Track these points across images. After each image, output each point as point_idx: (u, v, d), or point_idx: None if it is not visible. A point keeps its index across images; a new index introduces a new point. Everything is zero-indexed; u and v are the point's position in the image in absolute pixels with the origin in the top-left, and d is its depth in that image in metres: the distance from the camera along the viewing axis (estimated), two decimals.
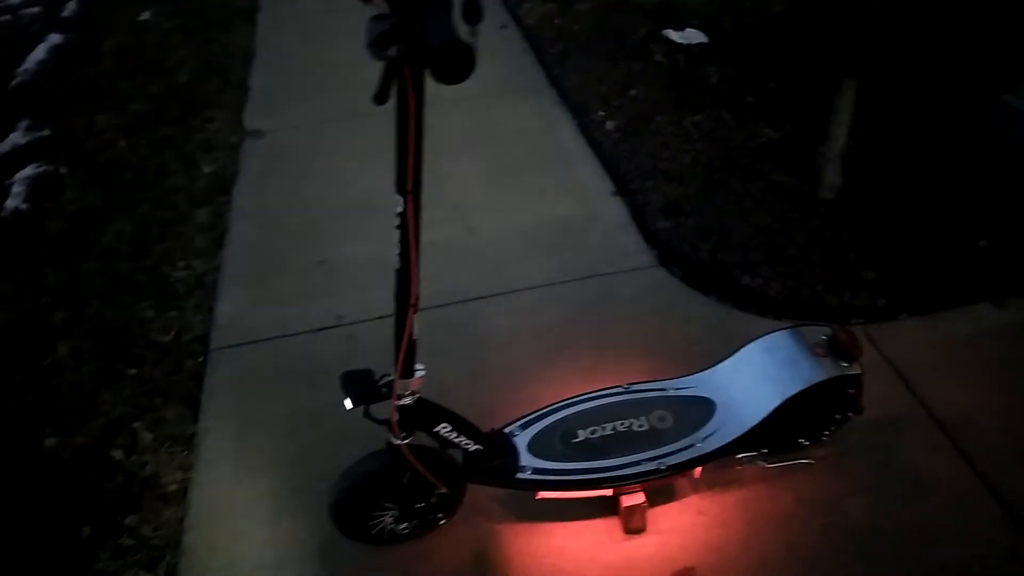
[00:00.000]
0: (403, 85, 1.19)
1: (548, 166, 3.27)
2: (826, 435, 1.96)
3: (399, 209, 1.32)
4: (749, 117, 3.40)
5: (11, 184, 3.32)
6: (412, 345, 1.49)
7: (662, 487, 1.95)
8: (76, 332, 2.62)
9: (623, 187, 3.08)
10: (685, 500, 1.97)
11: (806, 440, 1.94)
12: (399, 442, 1.61)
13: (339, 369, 1.61)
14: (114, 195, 3.25)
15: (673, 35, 3.94)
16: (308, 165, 3.30)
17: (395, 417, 1.56)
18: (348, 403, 1.53)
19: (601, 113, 3.52)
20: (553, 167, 3.27)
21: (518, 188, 3.15)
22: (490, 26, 4.41)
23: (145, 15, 4.75)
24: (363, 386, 1.52)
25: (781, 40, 3.80)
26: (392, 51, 1.11)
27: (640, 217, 2.92)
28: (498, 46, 4.21)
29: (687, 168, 3.13)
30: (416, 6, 1.07)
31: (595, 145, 3.34)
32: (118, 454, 2.19)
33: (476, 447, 1.72)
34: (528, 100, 3.72)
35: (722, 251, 2.71)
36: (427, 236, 2.89)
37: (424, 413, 1.62)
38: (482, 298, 2.64)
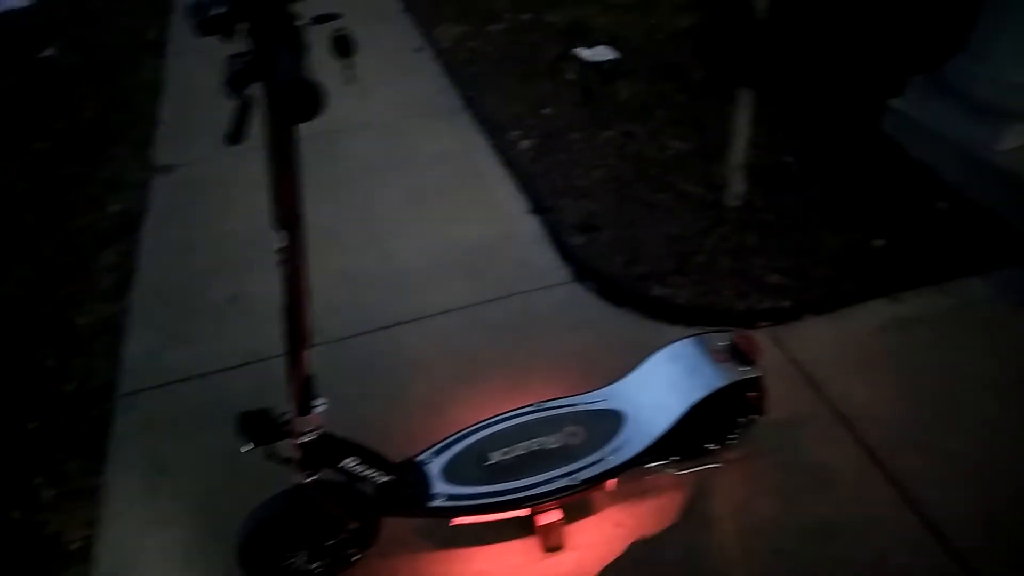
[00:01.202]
0: (270, 124, 1.19)
1: (464, 188, 3.29)
2: (733, 438, 2.00)
3: (279, 245, 1.30)
4: (658, 130, 3.50)
5: None
6: (308, 381, 1.47)
7: (579, 502, 1.97)
8: None
9: (538, 205, 3.12)
10: (602, 513, 1.99)
11: (714, 444, 1.98)
12: (305, 480, 1.59)
13: (253, 407, 1.58)
14: (13, 238, 3.12)
15: (584, 53, 4.02)
16: (220, 198, 3.24)
17: (298, 455, 1.54)
18: (246, 446, 1.50)
19: (516, 133, 3.56)
20: (469, 189, 3.29)
21: (434, 211, 3.16)
22: (404, 49, 4.43)
23: (48, 51, 4.60)
24: (261, 426, 1.49)
25: (688, 54, 3.93)
26: (248, 90, 1.10)
27: (555, 234, 2.96)
28: (412, 69, 4.23)
29: (600, 183, 3.19)
30: (269, 45, 1.06)
31: (510, 164, 3.38)
32: (17, 514, 2.09)
33: (386, 478, 1.71)
34: (443, 122, 3.74)
35: (634, 263, 2.77)
36: (342, 264, 2.91)
37: (329, 448, 1.59)
38: (399, 324, 2.63)
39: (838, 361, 2.41)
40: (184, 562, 1.94)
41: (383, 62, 4.30)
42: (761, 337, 2.48)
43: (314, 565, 1.76)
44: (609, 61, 3.93)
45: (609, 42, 4.07)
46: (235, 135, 1.10)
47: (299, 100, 1.03)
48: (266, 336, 2.56)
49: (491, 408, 2.03)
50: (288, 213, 1.27)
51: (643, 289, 2.66)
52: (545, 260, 2.88)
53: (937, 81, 3.13)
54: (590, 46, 4.04)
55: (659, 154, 3.34)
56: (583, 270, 2.79)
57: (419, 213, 3.16)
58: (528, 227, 3.04)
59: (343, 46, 1.12)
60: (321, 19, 1.15)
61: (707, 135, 3.38)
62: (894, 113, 3.28)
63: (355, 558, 1.82)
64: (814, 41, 3.38)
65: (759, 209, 2.98)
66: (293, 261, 1.30)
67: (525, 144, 3.47)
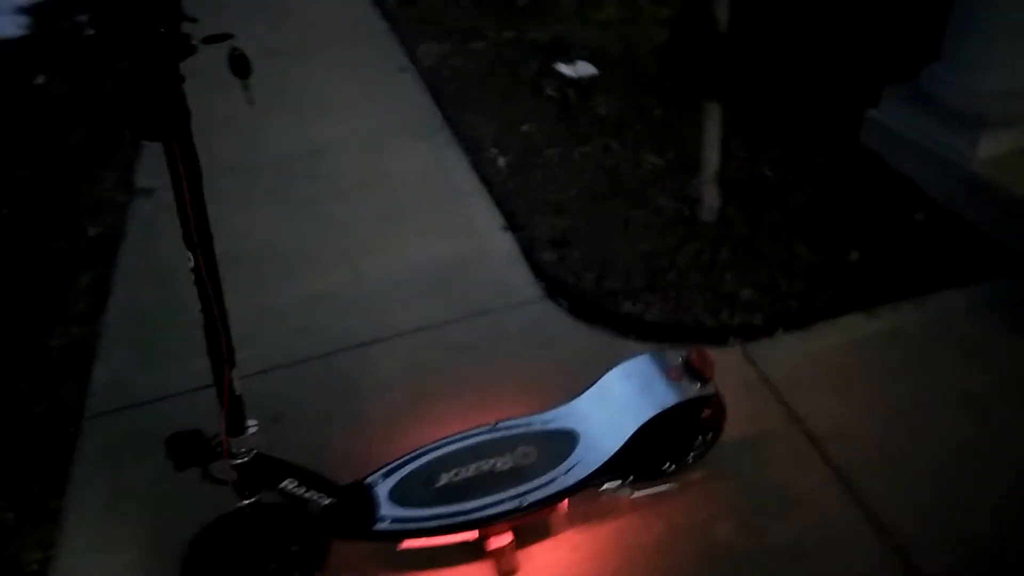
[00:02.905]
0: (167, 149, 1.19)
1: (440, 205, 3.29)
2: (692, 458, 1.97)
3: (190, 264, 1.29)
4: (635, 145, 3.48)
5: None
6: (237, 401, 1.46)
7: (534, 525, 1.93)
8: None
9: (513, 222, 3.11)
10: (559, 537, 1.96)
11: (671, 465, 1.95)
12: (242, 503, 1.57)
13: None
14: None
15: (564, 69, 4.03)
16: None
17: (232, 478, 1.52)
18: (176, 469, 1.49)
19: (493, 150, 3.56)
20: (445, 206, 3.28)
21: (409, 229, 3.16)
22: (389, 69, 4.46)
23: (40, 79, 4.67)
24: (190, 448, 1.48)
25: (665, 68, 3.92)
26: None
27: (528, 251, 2.95)
28: (396, 89, 4.25)
29: (575, 199, 3.18)
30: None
31: (487, 182, 3.37)
32: None
33: (328, 501, 1.69)
34: (422, 141, 3.75)
35: (606, 279, 2.75)
36: (311, 283, 2.90)
37: (265, 470, 1.58)
38: (367, 344, 2.62)
39: (809, 378, 2.37)
40: None
41: (366, 82, 4.33)
42: (731, 354, 2.47)
43: None
44: (589, 76, 3.93)
45: (589, 58, 4.08)
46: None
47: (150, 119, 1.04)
48: (237, 357, 2.57)
49: (452, 429, 2.01)
50: (196, 232, 1.27)
51: (613, 306, 2.63)
52: (517, 277, 2.86)
53: (912, 90, 3.10)
54: (570, 62, 4.05)
55: (635, 169, 3.32)
56: (554, 287, 2.76)
57: (394, 232, 3.15)
58: (502, 244, 3.03)
59: (239, 67, 1.12)
60: (213, 39, 1.15)
61: (684, 149, 3.35)
62: (871, 123, 3.26)
63: None
64: (783, 52, 3.37)
65: (734, 223, 2.95)
66: (206, 280, 1.29)
67: (502, 161, 3.47)
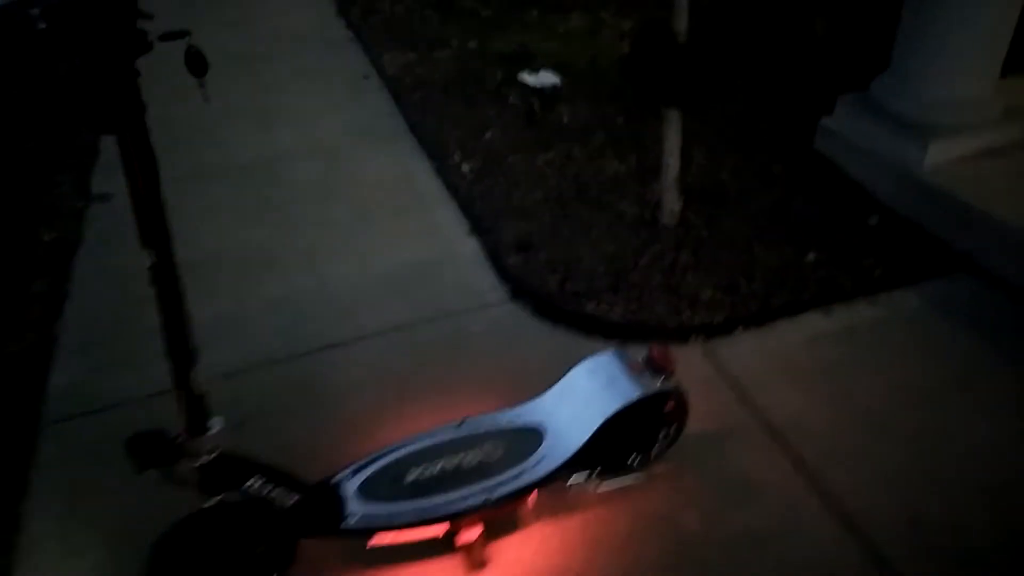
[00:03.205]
0: (122, 143, 1.19)
1: (404, 211, 3.30)
2: (656, 451, 2.00)
3: (149, 263, 1.29)
4: (598, 152, 3.54)
5: None
6: (199, 400, 1.45)
7: (504, 520, 1.94)
8: None
9: (477, 226, 3.13)
10: (527, 530, 1.97)
11: (637, 457, 1.98)
12: (207, 504, 1.55)
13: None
14: None
15: (528, 78, 4.08)
16: None
17: (195, 478, 1.51)
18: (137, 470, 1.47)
19: (457, 156, 3.59)
20: (409, 211, 3.29)
21: (373, 234, 3.16)
22: (353, 76, 4.46)
23: None
24: (152, 449, 1.46)
25: (626, 77, 4.00)
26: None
27: (494, 254, 2.97)
28: (359, 96, 4.25)
29: (539, 204, 3.22)
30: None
31: (452, 187, 3.39)
32: None
33: (295, 499, 1.68)
34: (387, 147, 3.76)
35: (569, 281, 2.78)
36: (275, 287, 2.88)
37: (229, 469, 1.56)
38: (331, 347, 2.61)
39: (769, 373, 2.43)
40: None
41: (331, 90, 4.33)
42: (693, 351, 2.52)
43: None
44: (552, 86, 3.99)
45: (553, 68, 4.14)
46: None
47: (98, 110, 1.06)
48: (200, 361, 2.54)
49: (419, 428, 2.02)
50: (153, 230, 1.26)
51: (577, 307, 2.66)
52: (482, 280, 2.88)
53: (864, 99, 3.22)
54: (534, 72, 4.10)
55: (597, 175, 3.38)
56: (518, 289, 2.79)
57: (358, 236, 3.15)
58: (467, 248, 3.05)
59: (195, 64, 1.13)
60: (170, 36, 1.15)
61: (646, 156, 3.42)
62: (824, 131, 3.36)
63: None
64: (741, 61, 3.47)
65: (695, 227, 3.02)
66: (164, 279, 1.28)
67: (466, 167, 3.49)
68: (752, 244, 2.92)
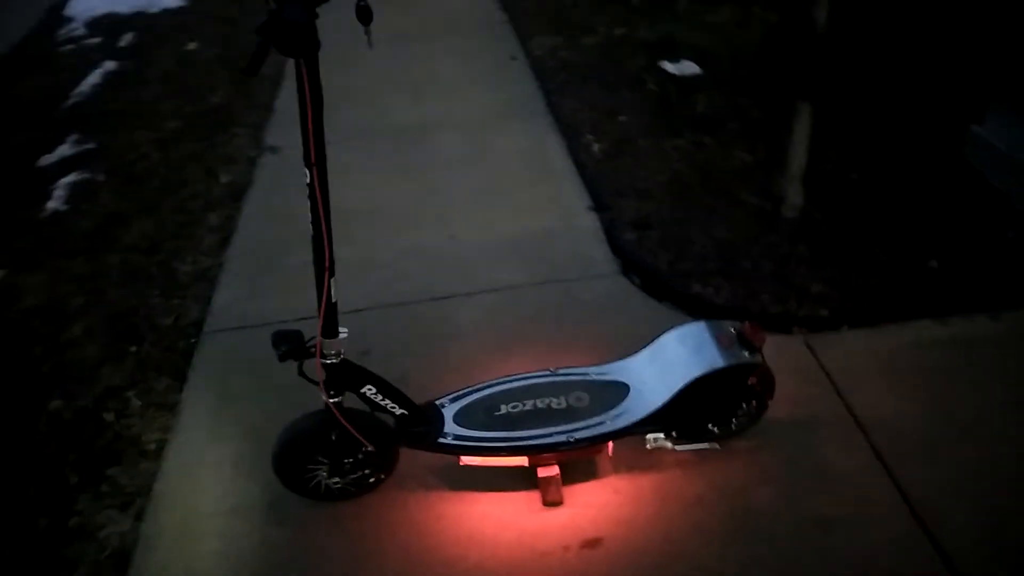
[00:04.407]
0: (298, 71, 1.44)
1: (533, 183, 3.50)
2: (735, 424, 2.08)
3: (307, 180, 1.54)
4: (729, 142, 3.58)
5: (54, 189, 3.72)
6: (333, 307, 1.71)
7: (583, 466, 2.11)
8: (91, 314, 2.94)
9: (599, 202, 3.28)
10: (603, 480, 2.12)
11: (715, 427, 2.07)
12: (328, 400, 1.83)
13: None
14: (140, 200, 3.61)
15: (668, 66, 4.16)
16: None
17: (322, 376, 1.78)
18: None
19: (590, 136, 3.74)
20: (538, 184, 3.49)
21: (502, 202, 3.39)
22: (502, 57, 4.71)
23: (192, 45, 5.21)
24: (290, 343, 1.74)
25: (763, 67, 3.97)
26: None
27: (610, 230, 3.11)
28: (505, 75, 4.49)
29: (662, 187, 3.32)
30: None
31: (580, 165, 3.55)
32: (110, 416, 2.47)
33: (402, 411, 1.92)
34: (525, 124, 3.97)
35: (680, 262, 2.88)
36: (410, 240, 3.18)
37: (349, 374, 1.83)
38: (451, 297, 2.86)
39: (868, 372, 2.42)
40: (234, 471, 2.24)
41: (480, 67, 4.60)
42: (793, 341, 2.55)
43: (334, 480, 2.00)
44: (692, 75, 4.04)
45: (695, 58, 4.18)
46: (250, 68, 1.37)
47: (286, 36, 1.29)
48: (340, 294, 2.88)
49: (516, 372, 2.21)
50: (313, 152, 1.51)
51: (683, 286, 2.76)
52: (596, 253, 3.03)
53: (1018, 109, 3.05)
54: (675, 60, 4.16)
55: (724, 164, 3.42)
56: (629, 264, 2.92)
57: (488, 201, 3.39)
58: (586, 222, 3.21)
59: (363, 15, 1.36)
60: None
61: (776, 149, 3.41)
62: (975, 139, 3.22)
63: (372, 481, 2.04)
64: (884, 59, 3.36)
65: (815, 222, 3.01)
66: (317, 196, 1.54)
67: (596, 147, 3.64)
68: (872, 245, 2.88)
